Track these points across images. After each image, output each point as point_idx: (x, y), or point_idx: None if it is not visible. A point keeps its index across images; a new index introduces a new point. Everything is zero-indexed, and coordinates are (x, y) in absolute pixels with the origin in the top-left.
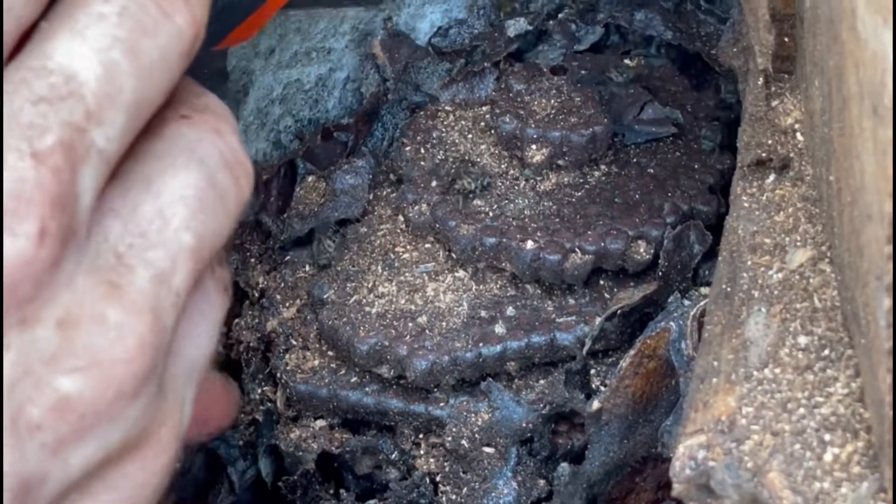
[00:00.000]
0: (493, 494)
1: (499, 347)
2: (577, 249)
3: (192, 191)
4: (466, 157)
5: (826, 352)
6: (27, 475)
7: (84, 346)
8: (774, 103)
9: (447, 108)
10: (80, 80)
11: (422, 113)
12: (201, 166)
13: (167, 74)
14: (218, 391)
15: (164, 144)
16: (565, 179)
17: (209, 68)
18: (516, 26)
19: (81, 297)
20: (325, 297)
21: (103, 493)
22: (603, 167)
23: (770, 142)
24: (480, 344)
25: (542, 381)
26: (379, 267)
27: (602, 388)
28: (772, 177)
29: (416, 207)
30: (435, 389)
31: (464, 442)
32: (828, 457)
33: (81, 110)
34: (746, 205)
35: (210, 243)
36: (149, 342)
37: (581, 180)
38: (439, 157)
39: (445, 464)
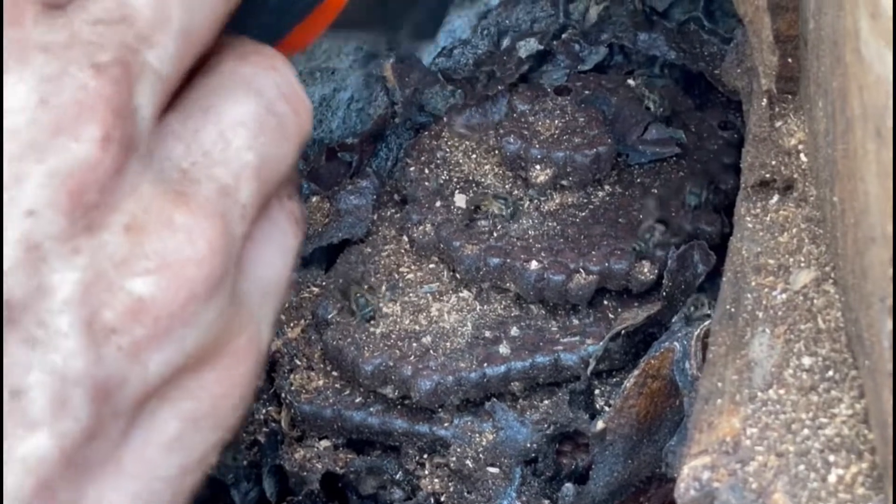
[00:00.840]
0: None
1: (503, 368)
2: (581, 270)
3: (252, 116)
4: (471, 178)
5: (830, 373)
6: (105, 378)
7: (154, 250)
8: (778, 124)
9: (455, 129)
10: (133, 5)
11: (426, 133)
12: (259, 96)
13: (212, 9)
14: None
15: (220, 79)
16: (569, 199)
17: None
18: (527, 47)
19: (148, 204)
20: (329, 317)
21: (182, 400)
22: (607, 187)
23: (774, 163)
24: (485, 364)
25: (546, 402)
26: (383, 287)
27: (606, 409)
28: (775, 197)
29: (421, 228)
30: (439, 409)
31: (468, 462)
32: (832, 478)
33: (133, 33)
34: (750, 225)
35: (273, 167)
36: (218, 245)
37: (585, 200)
38: (443, 177)
39: (450, 484)
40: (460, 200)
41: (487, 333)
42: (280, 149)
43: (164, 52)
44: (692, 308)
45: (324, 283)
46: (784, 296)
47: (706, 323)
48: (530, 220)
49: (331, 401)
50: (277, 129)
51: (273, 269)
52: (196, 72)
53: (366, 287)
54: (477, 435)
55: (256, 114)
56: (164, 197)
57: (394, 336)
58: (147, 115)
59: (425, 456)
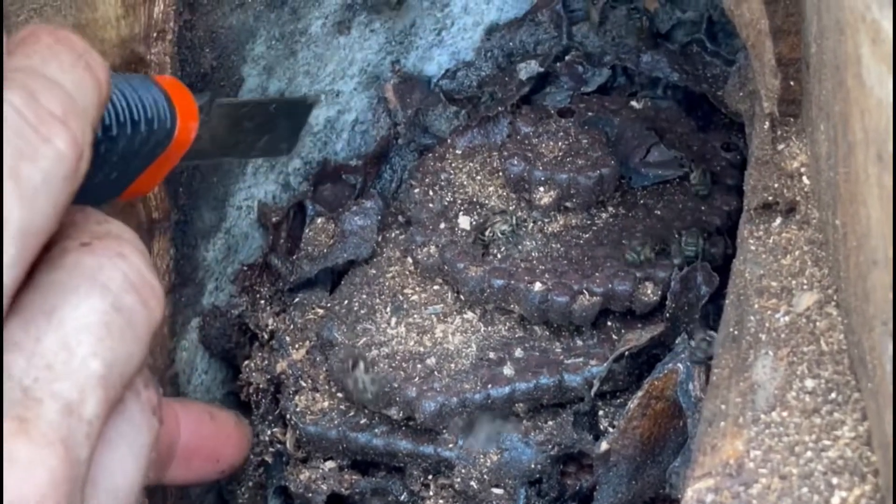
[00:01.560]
0: None
1: (507, 389)
2: (584, 291)
3: (97, 317)
4: (476, 200)
5: (833, 395)
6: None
7: None
8: (780, 147)
9: (458, 151)
10: None
11: (430, 155)
12: (104, 292)
13: (53, 199)
14: (230, 428)
15: (63, 274)
16: (573, 221)
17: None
18: (528, 69)
19: None
20: (334, 338)
21: None
22: (610, 209)
23: (776, 185)
24: (489, 385)
25: (550, 423)
26: (388, 309)
27: (610, 430)
28: (778, 220)
29: (425, 249)
30: (443, 431)
31: (473, 483)
32: (835, 500)
33: None
34: (753, 248)
35: (121, 369)
36: (61, 476)
37: (588, 222)
38: (447, 198)
39: None
40: (464, 222)
41: (492, 355)
42: (128, 347)
43: (6, 257)
44: (698, 347)
45: (328, 305)
46: (787, 318)
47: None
48: (534, 242)
49: (336, 422)
50: (125, 326)
51: (126, 473)
52: (39, 259)
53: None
54: (481, 456)
55: (101, 313)
56: (7, 425)
57: (398, 357)
58: None
59: (430, 477)
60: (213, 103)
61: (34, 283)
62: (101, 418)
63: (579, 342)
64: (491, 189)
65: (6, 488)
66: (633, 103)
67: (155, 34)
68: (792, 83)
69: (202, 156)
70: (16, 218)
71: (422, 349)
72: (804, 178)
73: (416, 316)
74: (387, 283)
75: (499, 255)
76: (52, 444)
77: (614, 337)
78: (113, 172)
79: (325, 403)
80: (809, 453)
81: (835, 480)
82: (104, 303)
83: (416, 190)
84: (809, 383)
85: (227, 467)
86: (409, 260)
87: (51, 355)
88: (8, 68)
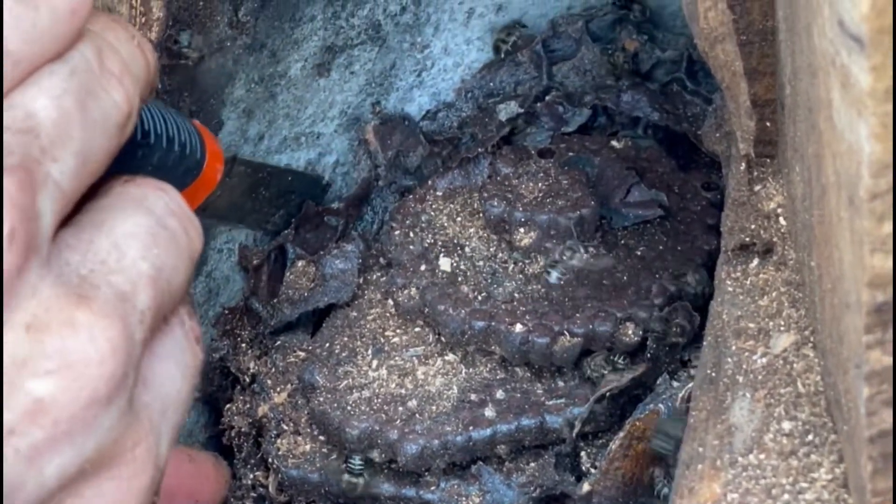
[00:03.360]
0: None
1: (489, 431)
2: (565, 332)
3: (144, 229)
4: (456, 241)
5: (810, 437)
6: (2, 482)
7: (55, 349)
8: (757, 188)
9: (439, 192)
10: (38, 119)
11: (411, 196)
12: (149, 213)
13: (108, 138)
14: (208, 469)
15: (110, 199)
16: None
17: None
18: (508, 110)
19: (49, 304)
20: (315, 381)
21: None
22: (591, 249)
23: (753, 226)
24: (470, 427)
25: (532, 464)
26: (369, 351)
27: (592, 471)
28: (755, 261)
29: (406, 291)
30: (426, 473)
31: None
32: None
33: (38, 145)
34: (731, 289)
35: (168, 277)
36: (119, 346)
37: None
38: (428, 240)
39: None
40: (445, 264)
41: (473, 396)
42: (174, 260)
43: (65, 166)
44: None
45: (310, 348)
46: (764, 360)
47: (690, 384)
48: (514, 283)
49: (318, 465)
50: (170, 242)
51: (173, 385)
52: (85, 199)
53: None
54: (463, 498)
55: (148, 227)
56: (66, 298)
57: (379, 400)
58: (48, 222)
59: None
60: (236, 157)
61: (85, 208)
62: (152, 314)
63: (560, 383)
64: (472, 230)
65: (69, 350)
66: (614, 143)
67: None
68: (767, 124)
69: (223, 212)
70: (77, 138)
71: (403, 391)
72: (781, 218)
73: (397, 358)
74: (368, 326)
75: (479, 297)
76: (111, 317)
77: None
78: None
79: (308, 447)
80: (787, 496)
81: None
82: (150, 219)
83: (397, 232)
84: (787, 425)
85: None
86: (390, 302)
87: (104, 253)
88: (78, 27)
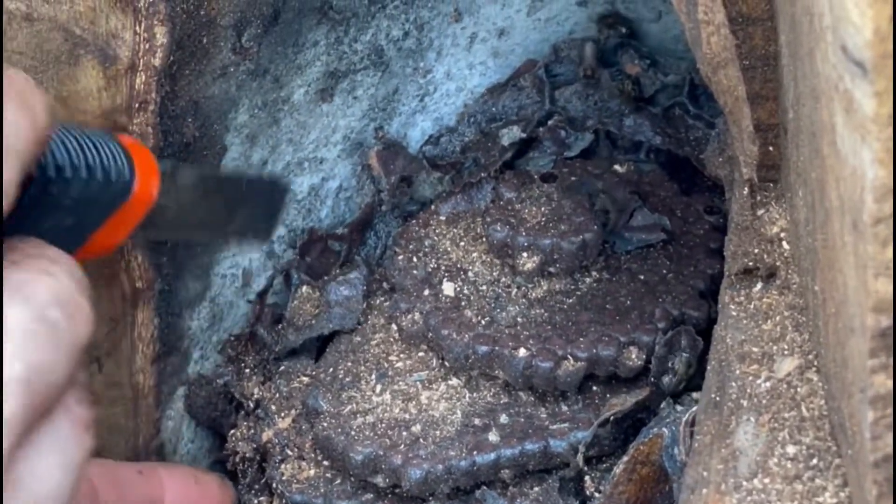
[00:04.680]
0: None
1: (493, 455)
2: (569, 356)
3: (18, 324)
4: (459, 266)
5: (815, 461)
6: None
7: None
8: (760, 212)
9: (442, 217)
10: None
11: (414, 221)
12: (27, 303)
13: None
14: (214, 490)
15: None
16: (557, 286)
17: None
18: (510, 134)
19: None
20: (319, 406)
21: None
22: (594, 274)
23: (756, 251)
24: (474, 452)
25: (536, 489)
26: (373, 376)
27: (597, 495)
28: (759, 285)
29: (409, 316)
30: (430, 498)
31: None
32: None
33: None
34: (734, 313)
35: (46, 376)
36: None
37: (572, 287)
38: (431, 265)
39: None
40: (448, 289)
41: (477, 421)
42: (53, 354)
43: None
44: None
45: (313, 373)
46: (768, 384)
47: (694, 408)
48: (518, 308)
49: (322, 491)
50: (50, 336)
51: (52, 480)
52: None
53: None
54: None
55: (23, 320)
56: None
57: (383, 425)
58: None
59: None
60: (177, 169)
61: None
62: (23, 421)
63: (564, 407)
64: (475, 255)
65: None
66: (617, 167)
67: (137, 105)
68: (770, 148)
69: (172, 228)
70: None
71: (407, 416)
72: (784, 243)
73: (401, 383)
74: (372, 351)
75: (482, 321)
76: None
77: (599, 402)
78: (68, 218)
79: (312, 472)
80: None
81: None
82: (28, 313)
83: (400, 257)
84: (791, 449)
85: None
86: (394, 327)
87: None
88: None
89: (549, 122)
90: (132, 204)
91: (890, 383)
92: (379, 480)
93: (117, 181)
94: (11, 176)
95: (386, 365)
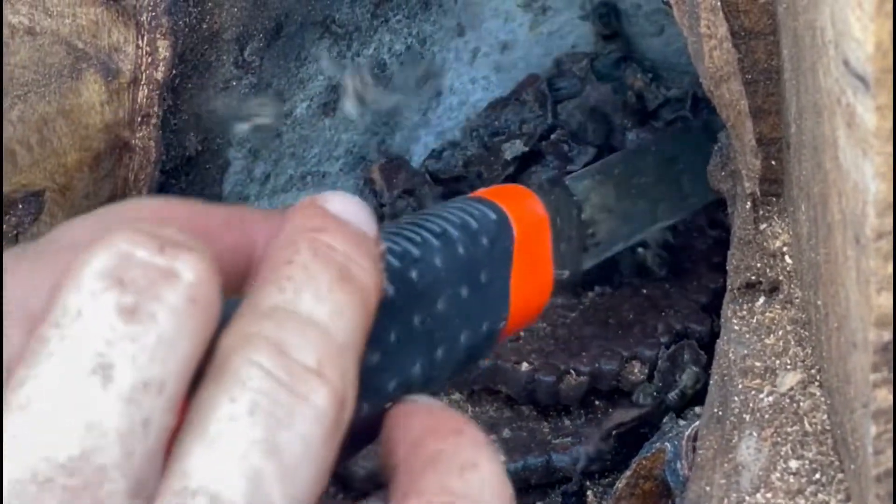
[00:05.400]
0: None
1: None
2: (571, 371)
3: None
4: None
5: (817, 476)
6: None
7: None
8: (763, 226)
9: None
10: (225, 500)
11: None
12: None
13: (314, 464)
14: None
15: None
16: (559, 300)
17: (204, 194)
18: (513, 148)
19: None
20: None
21: None
22: (596, 288)
23: (759, 265)
24: None
25: (538, 503)
26: None
27: None
28: (761, 299)
29: None
30: None
31: None
32: None
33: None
34: (737, 328)
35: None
36: None
37: (575, 301)
38: None
39: None
40: None
41: None
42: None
43: None
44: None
45: None
46: (771, 398)
47: (696, 423)
48: None
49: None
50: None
51: None
52: None
53: None
54: None
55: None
56: None
57: None
58: None
59: None
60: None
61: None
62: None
63: (567, 422)
64: None
65: None
66: None
67: (139, 119)
68: (773, 163)
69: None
70: (279, 496)
71: None
72: (786, 257)
73: None
74: None
75: None
76: None
77: (601, 416)
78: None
79: None
80: None
81: None
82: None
83: None
84: (794, 464)
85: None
86: None
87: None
88: (258, 305)
89: (552, 136)
90: (522, 239)
91: (892, 398)
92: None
93: (483, 236)
94: (350, 378)
95: None
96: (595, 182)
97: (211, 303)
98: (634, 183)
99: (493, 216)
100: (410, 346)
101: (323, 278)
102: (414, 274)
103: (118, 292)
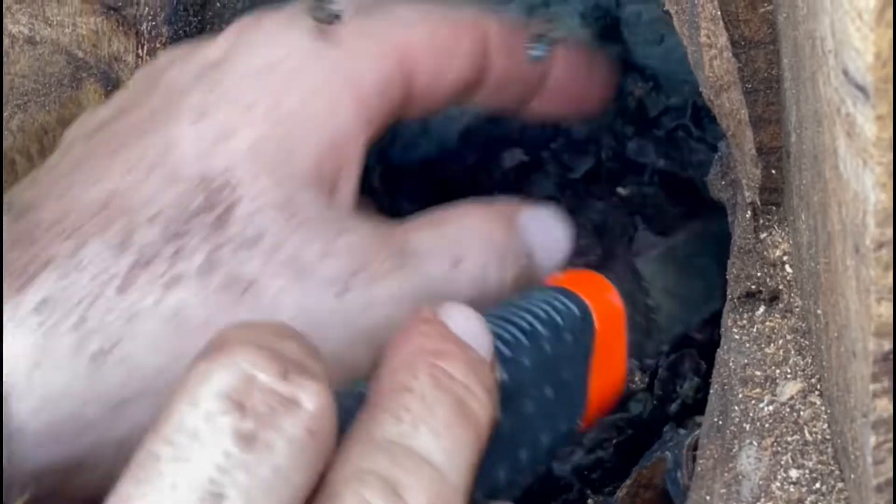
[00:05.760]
0: None
1: None
2: None
3: None
4: None
5: (817, 485)
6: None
7: None
8: (763, 235)
9: None
10: None
11: None
12: None
13: None
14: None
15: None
16: None
17: None
18: (512, 157)
19: None
20: None
21: None
22: None
23: (759, 274)
24: None
25: None
26: None
27: None
28: (761, 309)
29: None
30: None
31: None
32: None
33: None
34: (737, 337)
35: None
36: None
37: None
38: None
39: None
40: None
41: None
42: None
43: None
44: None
45: None
46: (771, 408)
47: (697, 432)
48: None
49: None
50: None
51: None
52: None
53: None
54: None
55: None
56: None
57: None
58: None
59: None
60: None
61: None
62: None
63: None
64: None
65: None
66: (620, 190)
67: None
68: (773, 172)
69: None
70: None
71: None
72: (787, 266)
73: None
74: None
75: None
76: None
77: (602, 424)
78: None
79: None
80: None
81: None
82: None
83: None
84: (794, 473)
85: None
86: None
87: None
88: (373, 434)
89: (552, 145)
90: (602, 334)
91: (892, 408)
92: None
93: (567, 332)
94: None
95: None
96: (661, 265)
97: (328, 434)
98: (696, 265)
99: (577, 312)
100: (497, 450)
101: (441, 412)
102: (505, 376)
103: (238, 417)
